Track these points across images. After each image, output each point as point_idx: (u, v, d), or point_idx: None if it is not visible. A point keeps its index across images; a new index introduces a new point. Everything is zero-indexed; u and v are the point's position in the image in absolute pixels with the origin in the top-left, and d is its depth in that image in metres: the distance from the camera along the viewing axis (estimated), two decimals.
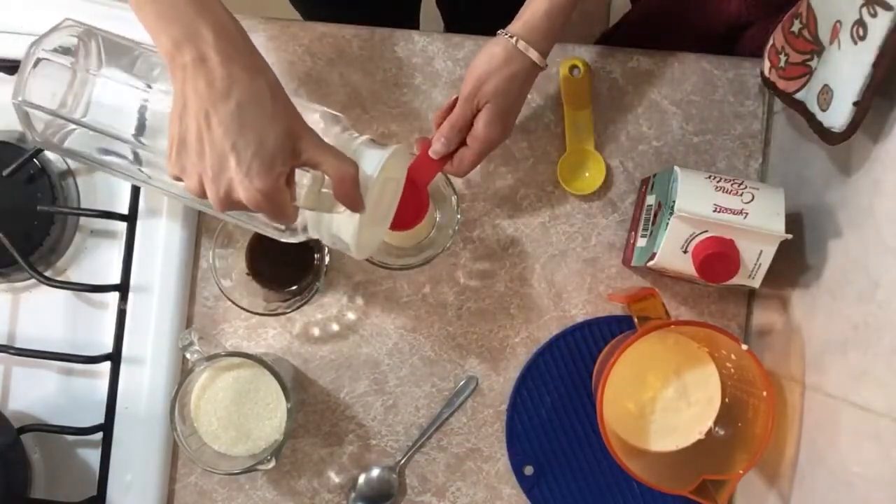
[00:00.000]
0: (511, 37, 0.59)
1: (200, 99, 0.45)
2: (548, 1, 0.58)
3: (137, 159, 0.57)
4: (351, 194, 0.50)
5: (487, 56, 0.59)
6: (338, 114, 0.57)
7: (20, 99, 0.54)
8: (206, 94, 0.45)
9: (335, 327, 0.72)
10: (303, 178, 0.50)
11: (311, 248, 0.67)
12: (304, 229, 0.55)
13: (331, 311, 0.72)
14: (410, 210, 0.62)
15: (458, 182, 0.72)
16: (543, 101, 0.73)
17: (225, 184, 0.46)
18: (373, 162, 0.52)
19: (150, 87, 0.55)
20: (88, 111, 0.55)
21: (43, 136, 0.57)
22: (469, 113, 0.60)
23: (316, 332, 0.72)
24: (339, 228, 0.53)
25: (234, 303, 0.64)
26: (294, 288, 0.69)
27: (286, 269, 0.69)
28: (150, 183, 0.59)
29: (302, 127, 0.49)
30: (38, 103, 0.54)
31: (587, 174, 0.72)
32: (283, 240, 0.57)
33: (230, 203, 0.47)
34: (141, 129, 0.55)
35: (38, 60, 0.54)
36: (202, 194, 0.48)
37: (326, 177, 0.50)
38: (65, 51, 0.55)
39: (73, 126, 0.56)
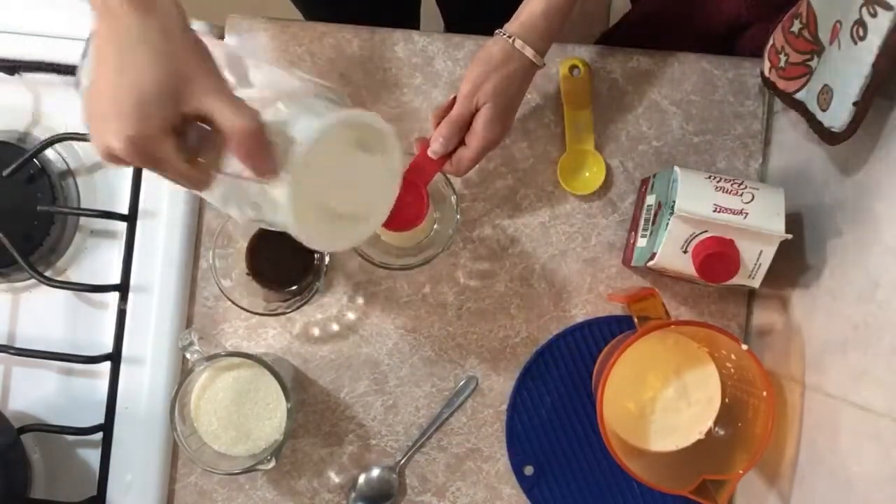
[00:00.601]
0: (509, 36, 0.59)
1: (102, 43, 0.43)
2: (545, 1, 0.58)
3: None
4: (248, 152, 0.43)
5: (486, 55, 0.59)
6: (326, 84, 0.51)
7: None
8: (105, 37, 0.42)
9: (335, 327, 0.72)
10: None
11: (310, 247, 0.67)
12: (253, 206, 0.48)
13: (331, 311, 0.72)
14: (411, 210, 0.61)
15: (457, 182, 0.72)
16: (543, 101, 0.73)
17: (104, 132, 0.42)
18: (316, 123, 0.44)
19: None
20: None
21: None
22: (467, 112, 0.60)
23: (316, 332, 0.72)
24: (275, 204, 0.46)
25: (234, 303, 0.64)
26: (294, 288, 0.69)
27: (286, 269, 0.68)
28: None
29: (197, 70, 0.43)
30: None
31: (587, 174, 0.72)
32: (241, 222, 0.51)
33: (108, 153, 0.43)
34: None
35: None
36: (97, 148, 0.44)
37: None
38: None
39: None
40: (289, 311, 0.66)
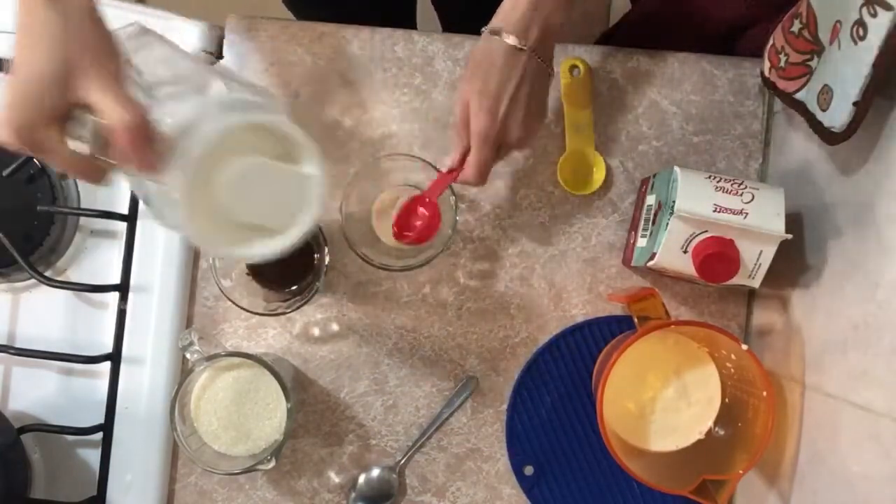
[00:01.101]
0: (488, 30, 0.59)
1: (17, 33, 0.43)
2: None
3: None
4: (132, 147, 0.43)
5: (471, 56, 0.60)
6: (260, 87, 0.51)
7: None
8: (19, 26, 0.43)
9: (335, 327, 0.72)
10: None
11: (310, 247, 0.67)
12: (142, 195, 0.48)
13: (331, 311, 0.72)
14: (427, 226, 0.64)
15: (457, 183, 0.72)
16: None
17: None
18: (215, 122, 0.43)
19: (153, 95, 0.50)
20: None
21: None
22: (463, 115, 0.60)
23: (316, 332, 0.72)
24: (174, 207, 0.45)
25: (234, 303, 0.64)
26: (294, 288, 0.69)
27: (286, 269, 0.68)
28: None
29: (89, 61, 0.43)
30: None
31: (587, 174, 0.72)
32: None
33: (3, 141, 0.43)
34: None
35: None
36: None
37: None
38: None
39: None
40: (289, 311, 0.66)
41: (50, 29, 0.43)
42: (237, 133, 0.45)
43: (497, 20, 0.59)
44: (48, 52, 0.42)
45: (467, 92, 0.59)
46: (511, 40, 0.58)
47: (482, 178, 0.61)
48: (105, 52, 0.44)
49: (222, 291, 0.64)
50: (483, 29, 0.60)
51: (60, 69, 0.42)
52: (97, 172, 0.46)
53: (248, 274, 0.68)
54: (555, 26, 0.59)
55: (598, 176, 0.71)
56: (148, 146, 0.43)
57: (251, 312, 0.65)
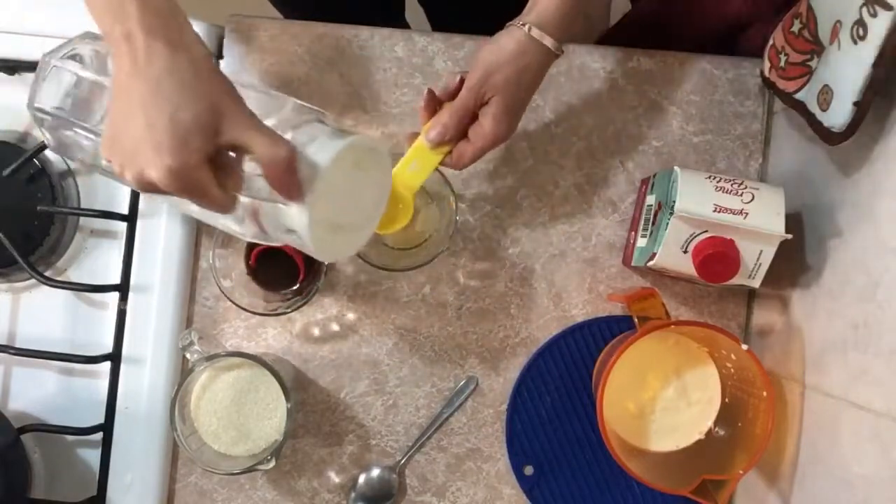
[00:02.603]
0: (524, 24, 0.56)
1: (126, 77, 0.44)
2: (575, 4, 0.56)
3: None
4: (284, 180, 0.46)
5: (497, 46, 0.56)
6: (316, 108, 0.54)
7: (35, 106, 0.54)
8: (129, 72, 0.44)
9: (335, 327, 0.72)
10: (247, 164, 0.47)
11: None
12: (264, 229, 0.52)
13: (331, 311, 0.72)
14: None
15: (457, 182, 0.72)
16: (543, 101, 0.73)
17: (139, 163, 0.44)
18: (329, 150, 0.48)
19: None
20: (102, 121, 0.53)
21: (62, 146, 0.57)
22: (472, 104, 0.57)
23: (316, 332, 0.72)
24: (292, 222, 0.49)
25: (234, 303, 0.64)
26: (294, 288, 0.69)
27: (286, 269, 0.68)
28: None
29: (231, 105, 0.45)
30: (50, 110, 0.54)
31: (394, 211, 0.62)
32: (248, 239, 0.54)
33: (145, 184, 0.45)
34: None
35: (53, 69, 0.53)
36: (123, 177, 0.46)
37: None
38: (79, 60, 0.54)
39: (88, 134, 0.54)
40: (289, 311, 0.66)
41: (182, 76, 0.44)
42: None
43: (532, 17, 0.56)
44: (190, 97, 0.44)
45: (491, 86, 0.56)
46: (548, 42, 0.56)
47: (463, 168, 0.61)
48: (235, 94, 0.47)
49: (222, 291, 0.64)
50: (512, 23, 0.57)
51: (209, 114, 0.44)
52: (233, 205, 0.48)
53: (248, 274, 0.68)
54: (572, 26, 0.58)
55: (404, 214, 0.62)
56: (296, 177, 0.46)
57: (251, 312, 0.65)
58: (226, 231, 0.55)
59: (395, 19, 1.08)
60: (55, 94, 0.54)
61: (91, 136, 0.54)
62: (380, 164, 0.55)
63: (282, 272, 0.69)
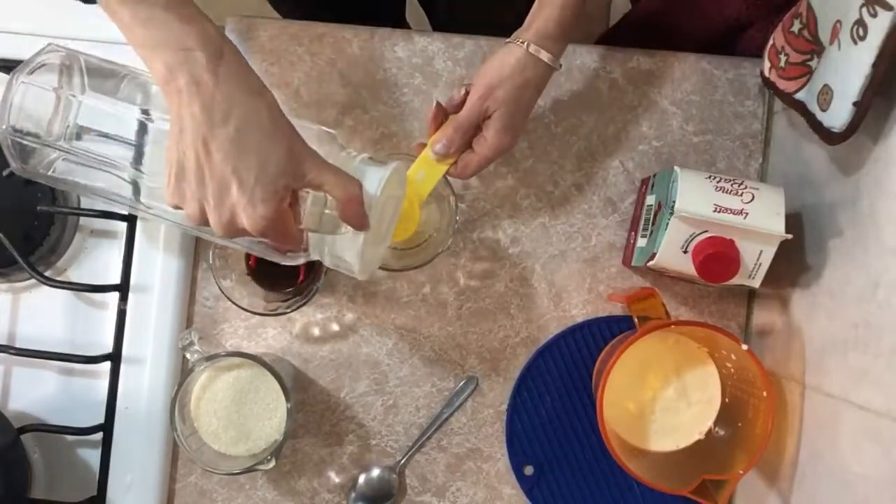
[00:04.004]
0: (523, 42, 0.58)
1: (197, 124, 0.44)
2: (558, 8, 0.58)
3: (136, 188, 0.56)
4: (357, 214, 0.49)
5: (499, 63, 0.58)
6: (332, 131, 0.56)
7: (3, 127, 0.53)
8: (202, 119, 0.44)
9: (335, 327, 0.72)
10: (304, 199, 0.49)
11: None
12: (307, 251, 0.55)
13: (331, 311, 0.72)
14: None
15: (457, 182, 0.72)
16: (543, 101, 0.73)
17: (228, 211, 0.45)
18: (375, 180, 0.52)
19: (148, 112, 0.53)
20: (80, 138, 0.53)
21: (30, 167, 0.56)
22: (476, 117, 0.60)
23: (316, 332, 0.72)
24: (343, 249, 0.53)
25: (234, 303, 0.64)
26: (293, 288, 0.69)
27: (287, 269, 0.68)
28: (147, 212, 0.59)
29: (303, 147, 0.47)
30: (24, 130, 0.53)
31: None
32: (286, 263, 0.56)
33: (234, 230, 0.46)
34: (139, 157, 0.53)
35: (21, 86, 0.52)
36: (204, 222, 0.47)
37: (330, 197, 0.49)
38: (49, 76, 0.53)
39: (61, 154, 0.54)
40: (289, 310, 0.66)
41: (262, 124, 0.45)
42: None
43: (531, 34, 0.58)
44: (274, 146, 0.45)
45: (494, 100, 0.58)
46: (545, 57, 0.58)
47: (468, 177, 0.64)
48: (301, 138, 0.48)
49: (222, 291, 0.64)
50: (511, 39, 0.59)
51: (288, 160, 0.46)
52: (302, 239, 0.51)
53: (248, 274, 0.68)
54: (570, 39, 0.61)
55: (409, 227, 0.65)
56: (364, 210, 0.50)
57: (251, 312, 0.65)
58: (260, 255, 0.58)
59: (395, 19, 1.08)
60: (32, 115, 0.53)
61: (113, 168, 0.54)
62: (402, 183, 0.60)
63: (281, 272, 0.69)
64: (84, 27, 0.67)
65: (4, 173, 0.68)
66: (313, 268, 0.68)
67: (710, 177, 0.62)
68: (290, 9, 0.97)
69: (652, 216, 0.66)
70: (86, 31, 0.67)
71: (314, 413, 0.72)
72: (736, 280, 0.60)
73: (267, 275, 0.69)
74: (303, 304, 0.65)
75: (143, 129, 0.54)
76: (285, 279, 0.69)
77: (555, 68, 0.60)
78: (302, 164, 0.47)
